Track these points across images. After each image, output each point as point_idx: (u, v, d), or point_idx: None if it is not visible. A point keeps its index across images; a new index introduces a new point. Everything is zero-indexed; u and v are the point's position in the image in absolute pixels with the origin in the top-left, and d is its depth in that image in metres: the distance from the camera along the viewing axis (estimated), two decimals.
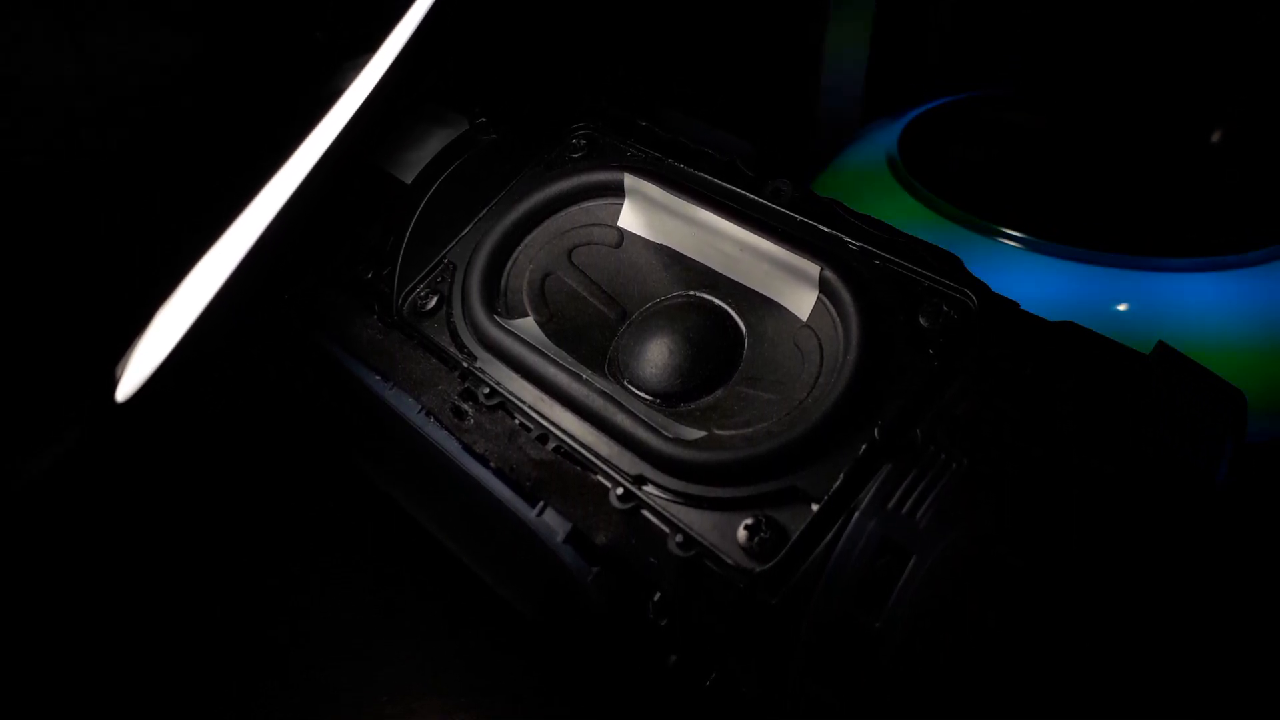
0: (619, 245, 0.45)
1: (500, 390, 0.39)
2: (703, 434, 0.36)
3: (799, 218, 0.41)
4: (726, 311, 0.42)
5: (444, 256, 0.45)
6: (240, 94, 0.49)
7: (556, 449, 0.37)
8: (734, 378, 0.40)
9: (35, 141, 0.42)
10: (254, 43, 0.49)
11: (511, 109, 0.50)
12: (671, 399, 0.40)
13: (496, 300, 0.43)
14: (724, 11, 0.79)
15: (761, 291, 0.41)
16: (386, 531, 0.54)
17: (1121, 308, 0.54)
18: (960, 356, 0.35)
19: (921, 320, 0.36)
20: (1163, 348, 0.35)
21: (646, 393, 0.40)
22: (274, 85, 0.49)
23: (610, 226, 0.45)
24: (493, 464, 0.38)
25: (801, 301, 0.40)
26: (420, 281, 0.45)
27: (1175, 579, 0.31)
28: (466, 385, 0.40)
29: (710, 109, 0.80)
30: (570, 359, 0.40)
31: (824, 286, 0.38)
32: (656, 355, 0.40)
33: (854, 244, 0.39)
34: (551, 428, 0.38)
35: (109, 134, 0.45)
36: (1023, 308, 0.37)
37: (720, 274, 0.43)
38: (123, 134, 0.45)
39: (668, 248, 0.44)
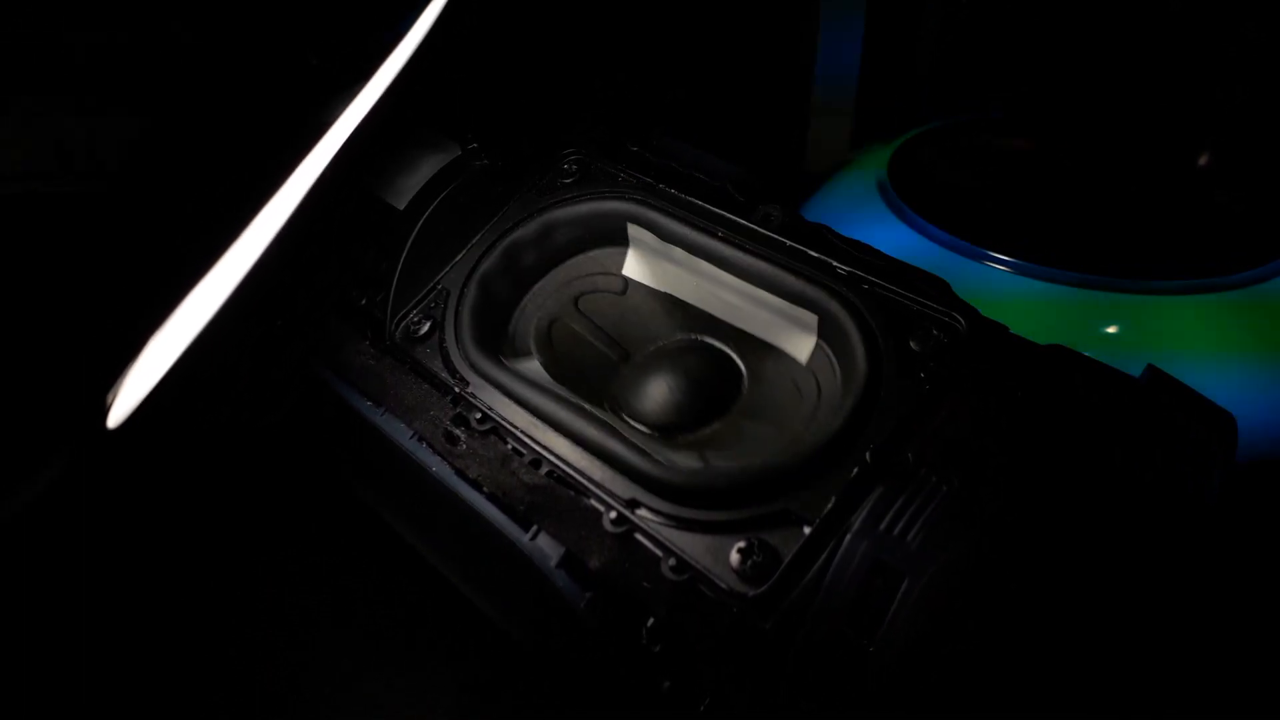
0: (623, 292, 0.45)
1: (493, 415, 0.39)
2: (699, 463, 0.36)
3: (789, 243, 0.41)
4: (726, 352, 0.43)
5: (437, 282, 0.45)
6: (234, 118, 0.49)
7: (549, 473, 0.37)
8: (732, 412, 0.40)
9: (27, 166, 0.42)
10: (248, 67, 0.50)
11: (503, 134, 0.51)
12: (669, 431, 0.40)
13: (501, 340, 0.43)
14: (715, 36, 0.80)
15: (762, 337, 0.42)
16: (379, 557, 0.53)
17: (1111, 330, 0.54)
18: (950, 380, 0.35)
19: (912, 344, 0.36)
20: (1153, 371, 0.35)
21: (645, 426, 0.40)
22: (268, 110, 0.50)
23: (615, 275, 0.46)
24: (485, 489, 0.38)
25: (801, 347, 0.40)
26: (413, 307, 0.45)
27: (1169, 601, 0.31)
28: (459, 410, 0.40)
29: (701, 133, 0.81)
30: (571, 394, 0.40)
31: (824, 331, 0.39)
32: (656, 391, 0.41)
33: (843, 269, 0.40)
34: (544, 452, 0.38)
35: (102, 158, 0.45)
36: (1012, 331, 0.37)
37: (722, 320, 0.43)
38: (117, 158, 0.45)
39: (671, 295, 0.45)
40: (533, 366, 0.42)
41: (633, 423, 0.41)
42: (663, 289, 0.45)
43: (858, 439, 0.34)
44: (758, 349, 0.42)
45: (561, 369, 0.43)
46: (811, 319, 0.39)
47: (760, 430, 0.38)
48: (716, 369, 0.42)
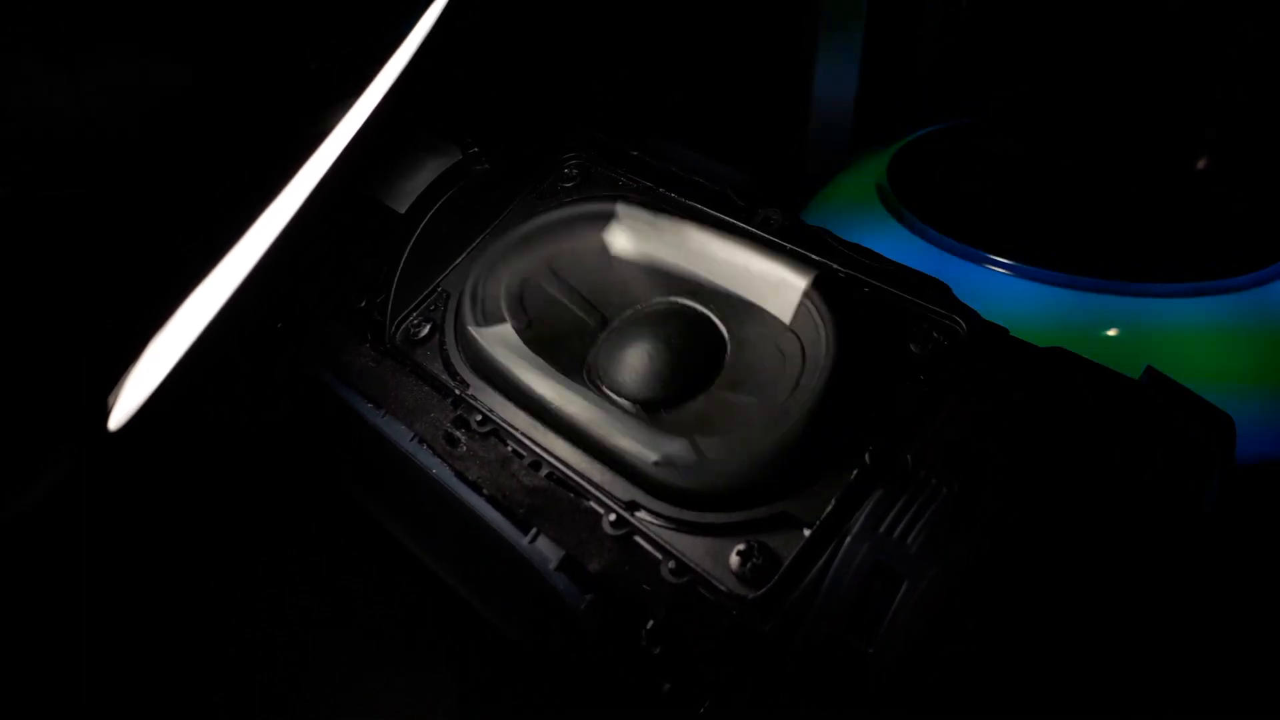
0: (600, 253, 0.45)
1: (493, 417, 0.39)
2: (690, 451, 0.36)
3: (789, 246, 0.41)
4: (708, 316, 0.42)
5: (437, 285, 0.45)
6: (234, 123, 0.49)
7: (549, 475, 0.37)
8: (716, 383, 0.40)
9: (27, 171, 0.42)
10: (248, 72, 0.50)
11: (504, 138, 0.51)
12: (651, 405, 0.39)
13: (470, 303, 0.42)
14: (714, 41, 0.80)
15: (744, 296, 0.41)
16: (379, 557, 0.53)
17: (1111, 333, 0.54)
18: (950, 382, 0.35)
19: (911, 346, 0.37)
20: (1152, 372, 0.35)
21: (626, 399, 0.39)
22: (268, 114, 0.50)
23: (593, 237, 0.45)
24: (485, 491, 0.38)
25: (784, 305, 0.39)
26: (413, 310, 0.45)
27: (1168, 602, 0.32)
28: (459, 412, 0.40)
29: (701, 137, 0.81)
30: (548, 367, 0.39)
31: (807, 289, 0.38)
32: (636, 361, 0.40)
33: (843, 271, 0.40)
34: (544, 454, 0.38)
35: (102, 163, 0.45)
36: (1011, 334, 0.37)
37: (702, 280, 0.42)
38: (117, 163, 0.45)
39: (650, 255, 0.44)
40: (504, 331, 0.41)
41: (613, 395, 0.39)
42: (643, 251, 0.44)
43: (854, 437, 0.34)
44: (739, 310, 0.41)
45: (536, 335, 0.41)
46: (795, 275, 0.38)
47: (745, 402, 0.37)
48: (698, 337, 0.40)
